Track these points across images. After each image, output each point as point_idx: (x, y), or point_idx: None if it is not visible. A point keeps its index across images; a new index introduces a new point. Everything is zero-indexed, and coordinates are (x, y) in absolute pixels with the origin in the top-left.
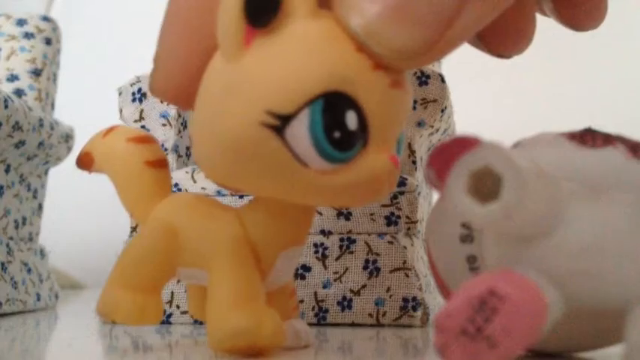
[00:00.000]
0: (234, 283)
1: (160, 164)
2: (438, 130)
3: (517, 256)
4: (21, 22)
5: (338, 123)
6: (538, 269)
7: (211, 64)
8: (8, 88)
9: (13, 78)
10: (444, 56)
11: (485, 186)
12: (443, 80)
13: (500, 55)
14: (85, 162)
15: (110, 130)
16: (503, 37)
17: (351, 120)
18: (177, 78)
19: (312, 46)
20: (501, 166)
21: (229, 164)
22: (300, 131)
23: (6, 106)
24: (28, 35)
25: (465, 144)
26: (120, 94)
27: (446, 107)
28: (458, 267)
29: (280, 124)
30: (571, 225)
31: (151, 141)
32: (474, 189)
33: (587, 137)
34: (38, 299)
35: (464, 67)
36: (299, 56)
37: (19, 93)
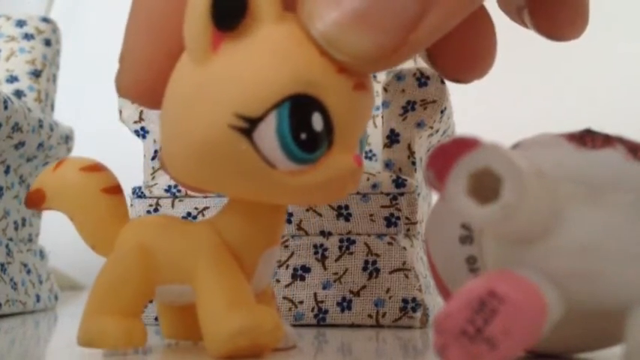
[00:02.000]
0: (223, 287)
1: (116, 190)
2: (437, 131)
3: (517, 257)
4: (21, 23)
5: (304, 125)
6: (538, 270)
7: (178, 65)
8: (8, 89)
9: (12, 79)
10: (409, 58)
11: (485, 187)
12: (442, 81)
13: (456, 80)
14: (35, 200)
15: (60, 163)
16: (457, 62)
17: (317, 122)
18: (142, 77)
19: (279, 49)
20: (501, 166)
21: (198, 166)
22: (267, 133)
23: (6, 107)
24: (27, 36)
25: (465, 145)
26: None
27: (445, 108)
28: (458, 268)
29: (249, 126)
30: (570, 226)
31: (103, 169)
32: (474, 190)
33: (587, 138)
34: (38, 300)
35: None
36: (266, 60)
37: (18, 94)
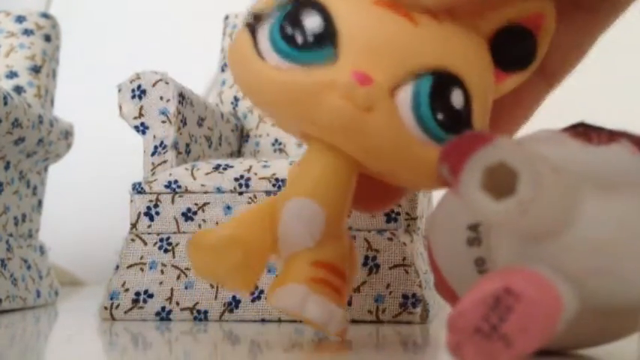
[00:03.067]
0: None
1: None
2: None
3: (531, 254)
4: (20, 19)
5: (295, 20)
6: (552, 267)
7: None
8: (8, 84)
9: (12, 75)
10: (450, 3)
11: (497, 183)
12: None
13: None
14: None
15: None
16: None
17: (312, 22)
18: None
19: None
20: (517, 161)
21: (230, 61)
22: (265, 28)
23: (5, 103)
24: (27, 32)
25: (479, 140)
26: (119, 90)
27: None
28: (465, 270)
29: (253, 21)
30: (585, 222)
31: None
32: (486, 187)
33: (592, 135)
34: (38, 296)
35: None
36: None
37: (18, 90)
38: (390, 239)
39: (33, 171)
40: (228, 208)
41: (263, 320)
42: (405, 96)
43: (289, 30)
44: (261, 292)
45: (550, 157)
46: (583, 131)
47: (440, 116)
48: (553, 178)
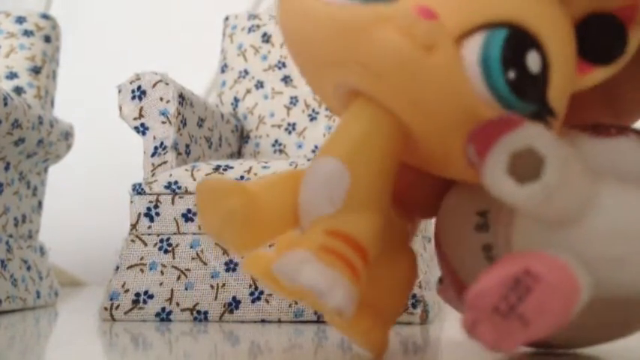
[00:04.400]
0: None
1: None
2: None
3: (550, 240)
4: (20, 20)
5: None
6: (570, 253)
7: None
8: (8, 85)
9: (12, 76)
10: None
11: (521, 168)
12: None
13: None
14: None
15: None
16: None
17: None
18: None
19: None
20: (544, 147)
21: None
22: None
23: (5, 104)
24: (27, 33)
25: (508, 123)
26: (119, 91)
27: None
28: (473, 256)
29: None
30: (602, 211)
31: None
32: (519, 171)
33: (601, 128)
34: (38, 297)
35: None
36: None
37: (18, 91)
38: None
39: (33, 172)
40: None
41: (263, 321)
42: (473, 46)
43: None
44: (261, 292)
45: (584, 147)
46: (592, 126)
47: (511, 75)
48: (578, 167)
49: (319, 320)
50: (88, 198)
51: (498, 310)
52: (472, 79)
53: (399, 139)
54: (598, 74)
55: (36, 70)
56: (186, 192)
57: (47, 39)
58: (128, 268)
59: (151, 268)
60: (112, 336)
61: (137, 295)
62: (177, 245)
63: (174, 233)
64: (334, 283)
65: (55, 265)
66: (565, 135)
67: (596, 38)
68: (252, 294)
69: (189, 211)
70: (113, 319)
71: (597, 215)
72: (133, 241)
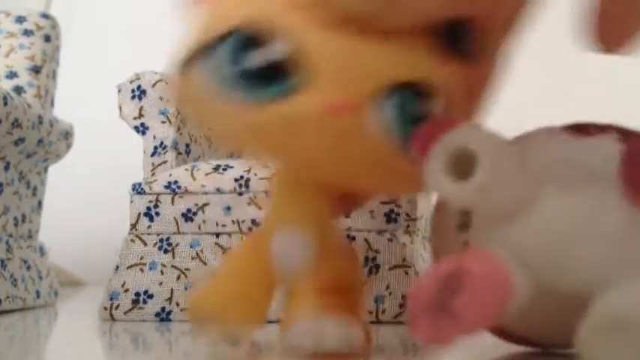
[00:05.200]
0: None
1: None
2: None
3: (492, 236)
4: (20, 20)
5: (249, 54)
6: (509, 250)
7: None
8: (8, 85)
9: (12, 75)
10: (409, 21)
11: (461, 167)
12: None
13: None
14: None
15: None
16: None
17: (269, 53)
18: None
19: None
20: (476, 146)
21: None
22: (215, 66)
23: (5, 103)
24: (27, 32)
25: (445, 125)
26: (119, 91)
27: None
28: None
29: (196, 56)
30: (540, 210)
31: None
32: (457, 169)
33: (582, 127)
34: (38, 296)
35: None
36: (227, 1)
37: (18, 90)
38: (390, 240)
39: (33, 171)
40: (228, 208)
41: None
42: (378, 115)
43: (247, 65)
44: None
45: (535, 147)
46: (575, 126)
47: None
48: (513, 165)
49: None
50: (88, 197)
51: (435, 306)
52: (386, 141)
53: (331, 194)
54: (477, 69)
55: (36, 70)
56: (186, 192)
57: (47, 38)
58: (128, 267)
59: (150, 268)
60: (111, 336)
61: (137, 294)
62: (177, 245)
63: (174, 233)
64: (349, 336)
65: (54, 265)
66: (549, 136)
67: (457, 37)
68: None
69: (189, 210)
70: (113, 319)
71: (536, 215)
72: (132, 240)
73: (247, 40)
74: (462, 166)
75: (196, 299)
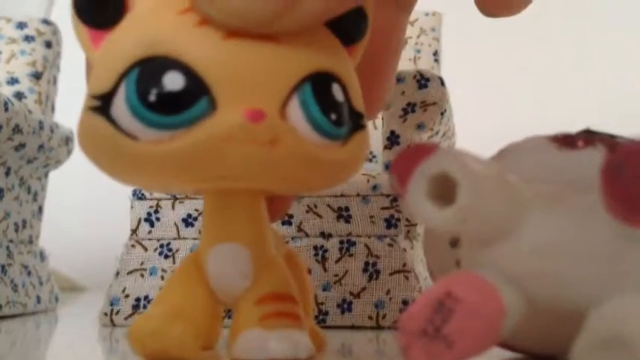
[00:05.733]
0: (161, 294)
1: None
2: (437, 133)
3: (480, 258)
4: (21, 26)
5: (154, 86)
6: (499, 271)
7: None
8: (8, 91)
9: (13, 81)
10: (298, 27)
11: (449, 191)
12: (442, 83)
13: (492, 15)
14: None
15: None
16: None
17: (172, 81)
18: None
19: (129, 23)
20: (456, 171)
21: (84, 152)
22: (120, 106)
23: (6, 109)
24: (28, 38)
25: (424, 151)
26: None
27: (445, 110)
28: (449, 271)
29: (102, 104)
30: (528, 229)
31: None
32: (439, 194)
33: (569, 139)
34: (38, 302)
35: (463, 70)
36: (116, 36)
37: (19, 96)
38: (391, 245)
39: (33, 177)
40: None
41: None
42: (296, 112)
43: (152, 97)
44: None
45: (523, 163)
46: (563, 137)
47: (333, 116)
48: (495, 187)
49: (320, 326)
50: (89, 203)
51: (426, 332)
52: (309, 137)
53: (264, 198)
54: (359, 49)
55: (37, 76)
56: (187, 197)
57: (48, 44)
58: (128, 273)
59: (151, 274)
60: (112, 341)
61: (137, 300)
62: (177, 250)
63: (175, 238)
64: (297, 342)
65: (55, 270)
66: (536, 148)
67: (344, 24)
68: None
69: (189, 216)
70: (113, 325)
71: (524, 233)
72: (133, 246)
73: (148, 72)
74: (444, 191)
75: (135, 326)
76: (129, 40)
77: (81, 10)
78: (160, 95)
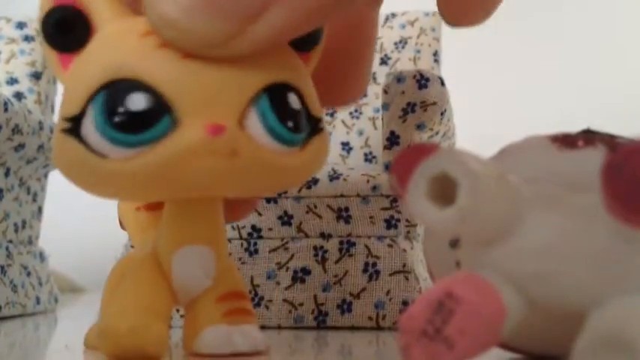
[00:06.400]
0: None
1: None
2: (437, 133)
3: (481, 259)
4: (21, 25)
5: (119, 107)
6: (498, 272)
7: None
8: (8, 91)
9: (12, 81)
10: (249, 50)
11: (449, 191)
12: (442, 83)
13: (455, 25)
14: None
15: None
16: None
17: (136, 101)
18: None
19: (99, 45)
20: (456, 171)
21: (63, 174)
22: (88, 127)
23: (6, 109)
24: (27, 38)
25: (424, 151)
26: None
27: (445, 110)
28: (450, 272)
29: (72, 126)
30: (528, 229)
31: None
32: (439, 194)
33: (569, 139)
34: (38, 302)
35: (463, 70)
36: (85, 59)
37: (18, 96)
38: (390, 246)
39: (33, 177)
40: None
41: (262, 327)
42: (254, 122)
43: (118, 118)
44: (261, 298)
45: (523, 163)
46: (563, 136)
47: (290, 124)
48: (495, 187)
49: (319, 326)
50: (88, 204)
51: (426, 333)
52: (268, 146)
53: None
54: (315, 55)
55: (36, 76)
56: None
57: None
58: None
59: None
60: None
61: None
62: None
63: None
64: (256, 338)
65: (54, 271)
66: (536, 148)
67: (302, 35)
68: (251, 300)
69: None
70: None
71: (524, 233)
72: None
73: (113, 95)
74: (444, 191)
75: (107, 324)
76: (95, 63)
77: (49, 35)
78: (125, 115)
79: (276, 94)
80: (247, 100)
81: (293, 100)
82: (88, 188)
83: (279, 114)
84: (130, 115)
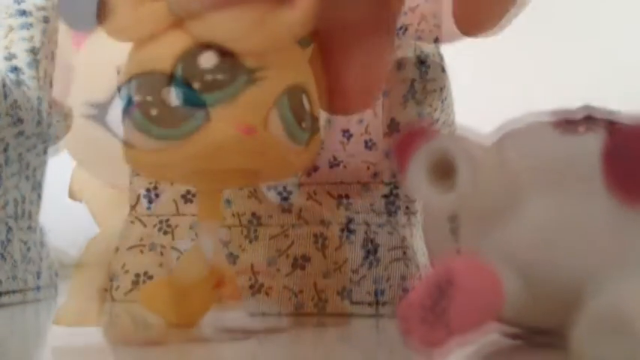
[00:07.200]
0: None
1: None
2: (438, 120)
3: (480, 242)
4: (18, 1)
5: (153, 100)
6: (497, 253)
7: None
8: (6, 66)
9: (10, 56)
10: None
11: (449, 174)
12: (443, 70)
13: (469, 35)
14: None
15: None
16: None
17: (172, 95)
18: None
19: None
20: (456, 155)
21: (78, 161)
22: (117, 115)
23: (4, 85)
24: (25, 13)
25: (425, 135)
26: (119, 72)
27: (446, 97)
28: (447, 245)
29: (98, 112)
30: (528, 211)
31: None
32: (440, 177)
33: (571, 124)
34: (38, 277)
35: (464, 58)
36: (107, 45)
37: (16, 71)
38: (391, 233)
39: (32, 153)
40: (228, 202)
41: (263, 314)
42: (276, 123)
43: (153, 111)
44: (261, 285)
45: (524, 148)
46: (564, 121)
47: (304, 124)
48: (494, 171)
49: (319, 313)
50: None
51: (426, 318)
52: (285, 145)
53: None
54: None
55: (34, 51)
56: None
57: (46, 19)
58: (128, 249)
59: (150, 249)
60: (112, 317)
61: (137, 275)
62: (176, 226)
63: (174, 214)
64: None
65: (54, 247)
66: (537, 131)
67: None
68: (252, 287)
69: (188, 192)
70: (113, 300)
71: (523, 216)
72: (132, 222)
73: (146, 86)
74: (445, 173)
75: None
76: (125, 51)
77: (65, 13)
78: (159, 108)
79: (293, 97)
80: (273, 102)
81: (306, 102)
82: (103, 174)
83: (295, 115)
84: (165, 109)
